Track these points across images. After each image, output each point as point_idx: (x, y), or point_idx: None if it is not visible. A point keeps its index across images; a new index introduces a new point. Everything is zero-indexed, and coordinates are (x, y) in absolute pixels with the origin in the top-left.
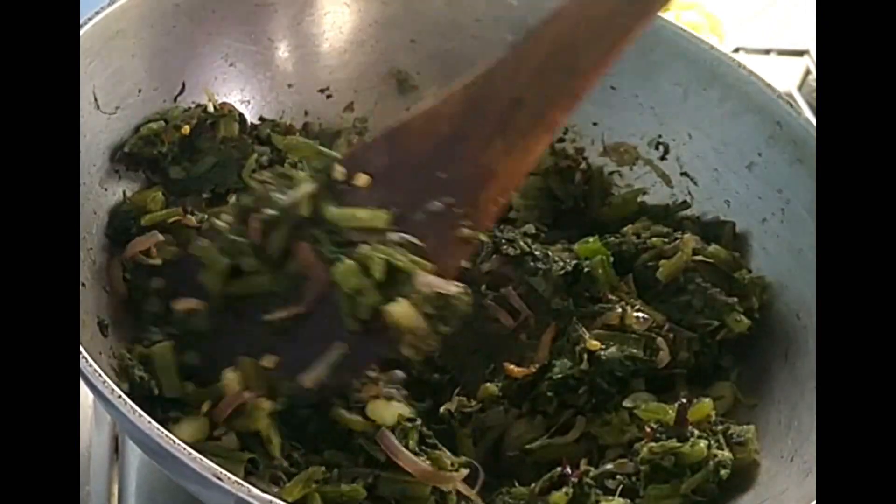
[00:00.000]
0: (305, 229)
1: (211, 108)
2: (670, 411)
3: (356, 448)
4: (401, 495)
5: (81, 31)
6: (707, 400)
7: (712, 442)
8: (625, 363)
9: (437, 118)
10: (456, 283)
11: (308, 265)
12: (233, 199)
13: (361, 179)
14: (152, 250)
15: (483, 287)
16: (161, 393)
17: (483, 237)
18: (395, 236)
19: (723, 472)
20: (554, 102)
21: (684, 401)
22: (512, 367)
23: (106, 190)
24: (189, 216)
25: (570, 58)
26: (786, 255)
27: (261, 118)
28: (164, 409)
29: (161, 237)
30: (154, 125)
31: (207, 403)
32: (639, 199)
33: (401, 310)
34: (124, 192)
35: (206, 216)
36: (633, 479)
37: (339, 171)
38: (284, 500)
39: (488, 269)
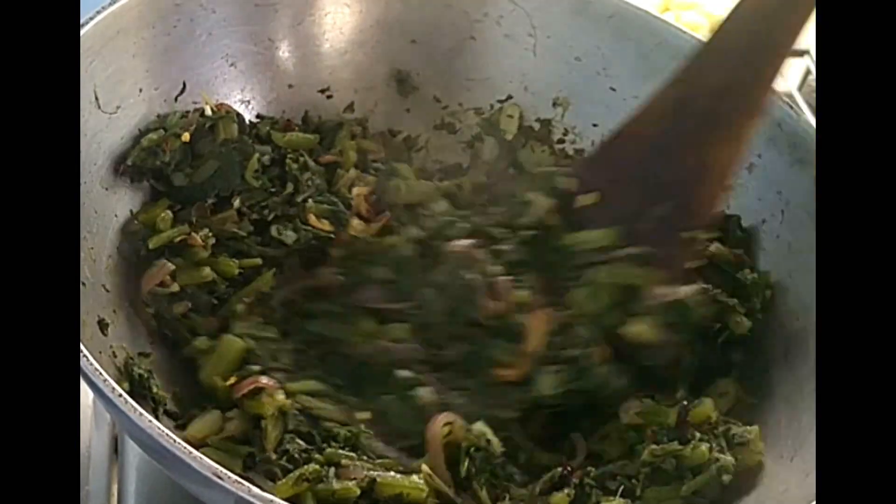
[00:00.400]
0: (545, 256)
1: (208, 111)
2: (671, 414)
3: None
4: (398, 499)
5: (82, 31)
6: (708, 400)
7: (714, 445)
8: (620, 378)
9: (647, 122)
10: (688, 285)
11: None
12: (237, 201)
13: (590, 198)
14: (167, 279)
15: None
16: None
17: (707, 235)
18: (623, 252)
19: (725, 476)
20: (757, 84)
21: (685, 403)
22: (502, 371)
23: (106, 190)
24: (194, 234)
25: (765, 35)
26: (786, 256)
27: (258, 115)
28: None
29: (171, 266)
30: (154, 135)
31: (233, 379)
32: None
33: (638, 328)
34: (132, 211)
35: (210, 232)
36: (634, 480)
37: (567, 182)
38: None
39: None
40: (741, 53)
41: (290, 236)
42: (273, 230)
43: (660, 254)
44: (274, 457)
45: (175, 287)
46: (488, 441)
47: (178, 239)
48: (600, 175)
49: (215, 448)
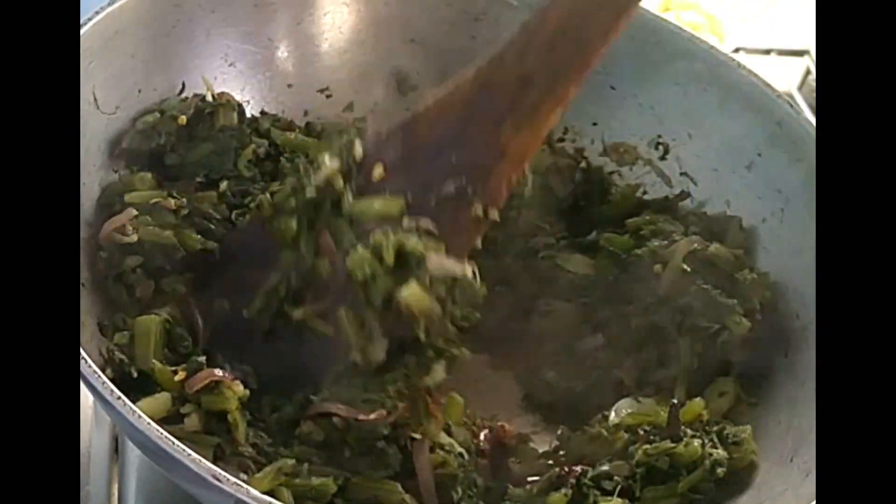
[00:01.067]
0: (330, 219)
1: (209, 98)
2: (662, 412)
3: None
4: (372, 501)
5: (81, 31)
6: (698, 399)
7: (706, 441)
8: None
9: (449, 104)
10: (468, 264)
11: (330, 255)
12: (224, 185)
13: (377, 171)
14: (127, 227)
15: None
16: (134, 368)
17: (496, 215)
18: (407, 222)
19: (719, 470)
20: (563, 76)
21: (675, 401)
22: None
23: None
24: (171, 198)
25: (577, 30)
26: (786, 255)
27: (262, 112)
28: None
29: (134, 211)
30: (150, 118)
31: (182, 373)
32: (637, 194)
33: (411, 292)
34: (116, 171)
35: (185, 200)
36: (630, 481)
37: (358, 150)
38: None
39: None
40: (549, 46)
41: (243, 222)
42: (233, 215)
43: (444, 229)
44: (249, 450)
45: (133, 237)
46: (460, 454)
47: (153, 201)
48: (392, 151)
49: (181, 438)
